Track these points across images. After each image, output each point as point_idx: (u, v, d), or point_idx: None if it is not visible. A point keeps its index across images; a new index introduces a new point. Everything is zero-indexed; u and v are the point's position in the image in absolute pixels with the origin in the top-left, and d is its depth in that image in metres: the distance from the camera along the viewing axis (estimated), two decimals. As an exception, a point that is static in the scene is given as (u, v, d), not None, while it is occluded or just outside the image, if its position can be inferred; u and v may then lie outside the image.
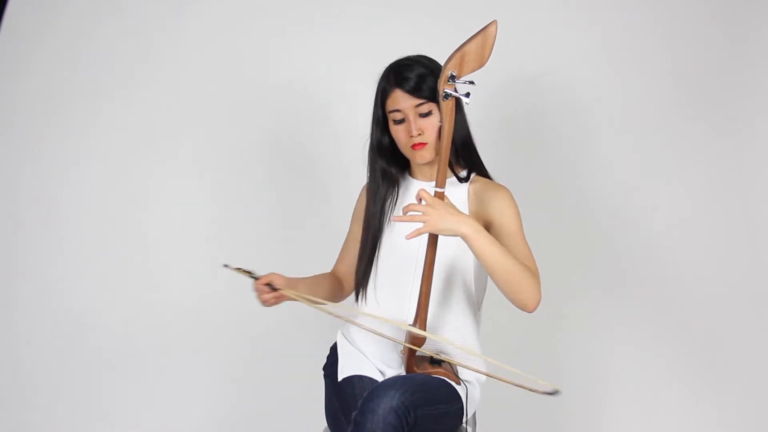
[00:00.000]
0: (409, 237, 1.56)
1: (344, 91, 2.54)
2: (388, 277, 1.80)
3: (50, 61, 2.59)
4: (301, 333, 2.56)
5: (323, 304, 1.74)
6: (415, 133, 1.70)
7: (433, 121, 1.71)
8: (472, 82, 1.53)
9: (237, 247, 2.56)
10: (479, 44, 1.51)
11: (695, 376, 2.53)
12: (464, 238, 1.57)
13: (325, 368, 1.89)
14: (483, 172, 1.82)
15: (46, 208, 2.61)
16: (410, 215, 1.57)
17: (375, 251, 1.82)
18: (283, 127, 2.59)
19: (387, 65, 1.77)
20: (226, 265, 1.79)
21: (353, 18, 2.56)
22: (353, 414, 1.56)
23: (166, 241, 2.63)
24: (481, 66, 1.53)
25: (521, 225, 1.73)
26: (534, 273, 1.65)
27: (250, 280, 1.77)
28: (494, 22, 1.51)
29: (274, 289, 1.75)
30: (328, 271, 1.99)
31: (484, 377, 1.82)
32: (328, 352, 1.91)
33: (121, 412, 2.60)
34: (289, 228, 2.61)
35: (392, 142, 1.79)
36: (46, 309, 2.61)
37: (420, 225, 1.56)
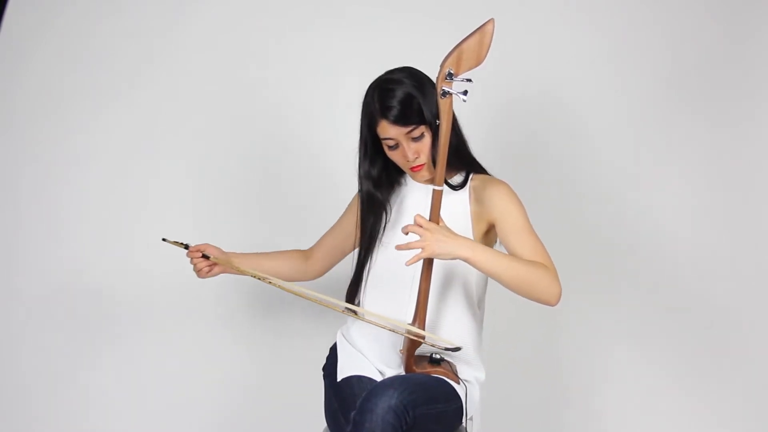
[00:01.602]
0: (408, 263, 1.56)
1: (345, 91, 2.52)
2: (379, 290, 1.80)
3: (50, 61, 2.59)
4: (301, 333, 2.56)
5: (268, 279, 1.81)
6: (411, 158, 1.71)
7: (426, 142, 1.71)
8: (469, 80, 1.52)
9: (236, 247, 2.55)
10: (476, 42, 1.51)
11: (696, 376, 2.53)
12: (465, 260, 1.57)
13: (324, 368, 1.89)
14: (480, 170, 1.82)
15: (46, 208, 2.61)
16: (408, 243, 1.57)
17: (365, 268, 1.82)
18: (283, 126, 2.59)
19: (371, 83, 1.74)
20: (164, 239, 1.92)
21: (353, 18, 2.56)
22: (352, 414, 1.56)
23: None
24: (478, 64, 1.52)
25: (527, 218, 1.71)
26: (548, 267, 1.64)
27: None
28: (491, 20, 1.51)
29: (207, 258, 1.87)
30: (305, 248, 2.03)
31: (483, 376, 1.82)
32: (327, 353, 1.91)
33: (120, 412, 2.59)
34: (290, 227, 2.60)
35: (382, 166, 1.80)
36: (46, 309, 2.61)
37: (418, 251, 1.56)
